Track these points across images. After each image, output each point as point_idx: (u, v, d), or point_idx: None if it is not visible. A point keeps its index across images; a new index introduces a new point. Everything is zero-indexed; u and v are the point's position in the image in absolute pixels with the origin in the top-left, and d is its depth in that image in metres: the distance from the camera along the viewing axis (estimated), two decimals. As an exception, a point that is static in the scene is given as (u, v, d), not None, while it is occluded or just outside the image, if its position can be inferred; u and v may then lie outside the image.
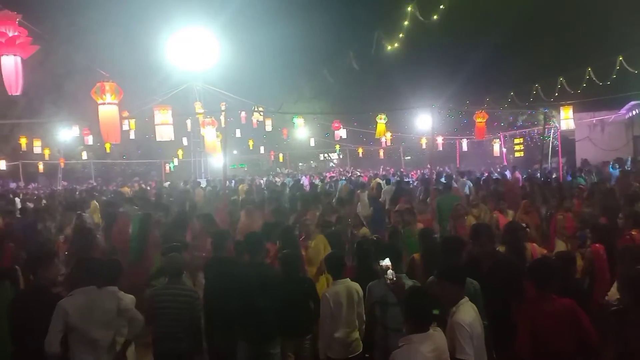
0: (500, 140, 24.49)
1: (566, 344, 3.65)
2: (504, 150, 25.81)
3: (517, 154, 29.81)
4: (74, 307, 3.96)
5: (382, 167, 29.61)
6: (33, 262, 4.44)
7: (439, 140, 24.09)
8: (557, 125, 16.77)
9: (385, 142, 25.35)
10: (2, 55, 6.14)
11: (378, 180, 16.90)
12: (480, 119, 13.57)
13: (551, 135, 19.92)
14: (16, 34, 6.15)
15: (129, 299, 4.47)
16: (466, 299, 3.70)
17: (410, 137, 28.49)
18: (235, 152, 36.36)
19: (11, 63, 6.18)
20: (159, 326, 4.60)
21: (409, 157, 37.23)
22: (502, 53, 27.07)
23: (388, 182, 15.11)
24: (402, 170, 25.34)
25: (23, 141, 22.83)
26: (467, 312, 3.57)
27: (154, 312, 4.56)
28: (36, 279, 4.38)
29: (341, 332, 4.50)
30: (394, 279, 3.88)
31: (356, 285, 4.70)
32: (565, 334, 3.64)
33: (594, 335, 3.65)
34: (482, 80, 27.98)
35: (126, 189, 19.26)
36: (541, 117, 17.50)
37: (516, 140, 29.41)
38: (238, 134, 26.66)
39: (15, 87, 6.22)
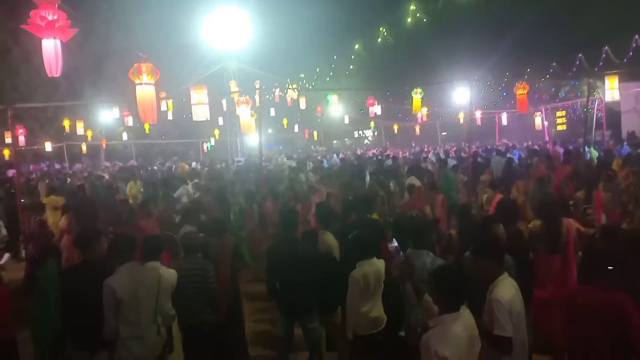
0: (541, 113, 23.72)
1: (598, 343, 3.33)
2: (546, 123, 25.01)
3: (559, 128, 28.85)
4: (119, 283, 4.10)
5: (413, 144, 29.08)
6: (81, 239, 4.61)
7: (478, 114, 23.50)
8: (602, 97, 16.10)
9: (422, 117, 24.92)
10: (43, 38, 6.29)
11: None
12: (521, 90, 13.10)
13: (595, 107, 19.15)
14: (55, 17, 6.27)
15: (169, 274, 4.59)
16: (505, 275, 3.60)
17: (447, 111, 27.92)
18: (270, 130, 36.56)
19: (51, 46, 6.32)
20: (180, 301, 4.72)
21: (445, 133, 36.59)
22: (544, 22, 26.01)
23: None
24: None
25: (66, 123, 23.50)
26: (506, 289, 3.48)
27: (174, 288, 4.67)
28: (85, 255, 4.55)
29: (368, 308, 4.52)
30: (402, 259, 3.83)
31: (382, 263, 4.69)
32: (599, 332, 3.31)
33: None
34: (522, 51, 26.99)
35: (185, 166, 19.77)
36: (585, 88, 16.78)
37: (558, 113, 28.43)
38: (272, 112, 26.78)
39: (55, 69, 6.38)
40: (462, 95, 19.50)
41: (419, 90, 16.44)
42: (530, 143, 22.59)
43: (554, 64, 21.81)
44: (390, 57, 33.15)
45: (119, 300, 4.05)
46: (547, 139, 23.24)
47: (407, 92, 18.92)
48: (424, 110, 22.84)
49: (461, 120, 25.89)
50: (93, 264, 4.45)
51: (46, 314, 4.58)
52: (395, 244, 4.01)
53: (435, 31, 29.84)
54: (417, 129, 30.00)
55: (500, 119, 25.24)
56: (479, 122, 24.03)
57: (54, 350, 4.59)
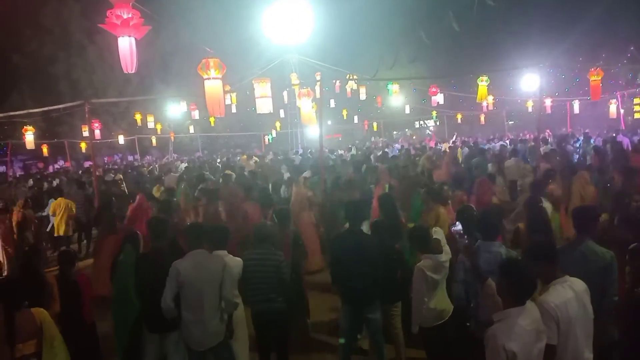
0: (617, 100, 22.29)
1: None
2: (622, 111, 23.46)
3: (637, 116, 26.97)
4: (185, 266, 4.36)
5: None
6: (155, 226, 4.86)
7: (548, 102, 22.41)
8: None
9: (487, 106, 24.03)
10: (119, 36, 6.59)
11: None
12: (594, 77, 12.42)
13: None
14: (130, 15, 6.53)
15: (235, 262, 4.79)
16: (564, 278, 3.35)
17: (514, 100, 26.83)
18: (329, 122, 36.64)
19: (126, 44, 6.60)
20: (251, 289, 4.89)
21: (512, 122, 35.19)
22: (621, 1, 24.39)
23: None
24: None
25: (138, 117, 24.56)
26: (556, 293, 3.25)
27: (245, 276, 4.85)
28: (155, 242, 4.80)
29: (433, 300, 4.49)
30: (466, 242, 3.74)
31: (447, 254, 4.62)
32: None
33: None
34: (596, 34, 25.48)
35: (244, 158, 20.34)
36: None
37: (636, 100, 26.56)
38: (332, 104, 26.78)
39: (130, 66, 6.69)
40: (530, 82, 18.69)
41: (485, 77, 15.91)
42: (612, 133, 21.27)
43: (632, 47, 20.45)
44: (455, 45, 32.18)
45: (181, 282, 4.30)
46: (622, 127, 21.82)
47: (472, 80, 18.32)
48: (490, 98, 22.04)
49: (529, 109, 24.82)
50: (163, 251, 4.72)
51: (126, 298, 4.87)
52: (459, 227, 3.91)
53: (503, 16, 28.67)
54: (482, 118, 29.05)
55: (572, 106, 23.95)
56: (548, 111, 22.92)
57: (134, 333, 4.86)
